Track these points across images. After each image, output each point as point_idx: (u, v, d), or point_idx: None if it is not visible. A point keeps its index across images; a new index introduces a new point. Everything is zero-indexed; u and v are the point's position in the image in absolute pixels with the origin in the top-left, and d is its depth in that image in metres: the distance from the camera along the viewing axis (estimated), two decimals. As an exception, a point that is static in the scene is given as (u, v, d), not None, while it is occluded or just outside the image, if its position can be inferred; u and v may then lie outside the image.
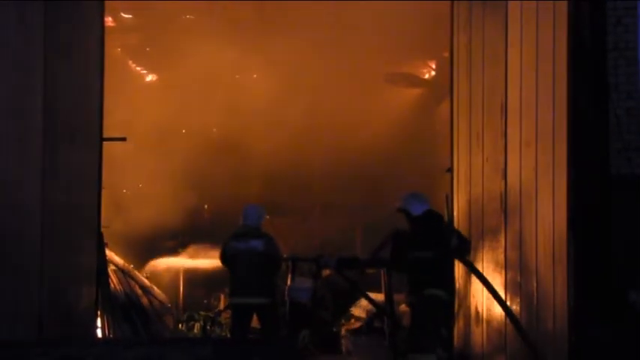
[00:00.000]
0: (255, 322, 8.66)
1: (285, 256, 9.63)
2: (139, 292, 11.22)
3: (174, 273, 13.20)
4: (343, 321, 10.71)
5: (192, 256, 13.31)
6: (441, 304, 7.45)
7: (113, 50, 13.53)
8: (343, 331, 10.42)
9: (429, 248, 7.48)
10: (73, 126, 8.59)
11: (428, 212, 7.71)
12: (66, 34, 8.34)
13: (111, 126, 9.57)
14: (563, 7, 6.64)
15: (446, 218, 9.45)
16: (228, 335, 10.12)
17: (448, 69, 9.47)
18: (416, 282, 7.57)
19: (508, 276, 7.70)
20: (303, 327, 9.70)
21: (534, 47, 7.26)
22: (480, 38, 8.57)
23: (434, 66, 14.84)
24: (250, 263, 8.28)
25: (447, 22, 9.27)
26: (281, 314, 9.28)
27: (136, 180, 13.78)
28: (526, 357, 6.93)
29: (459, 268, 8.51)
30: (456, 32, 9.18)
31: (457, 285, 8.55)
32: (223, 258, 8.56)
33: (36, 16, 7.54)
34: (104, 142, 9.20)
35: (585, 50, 6.53)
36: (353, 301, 10.85)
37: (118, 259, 11.45)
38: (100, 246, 9.35)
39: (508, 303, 7.56)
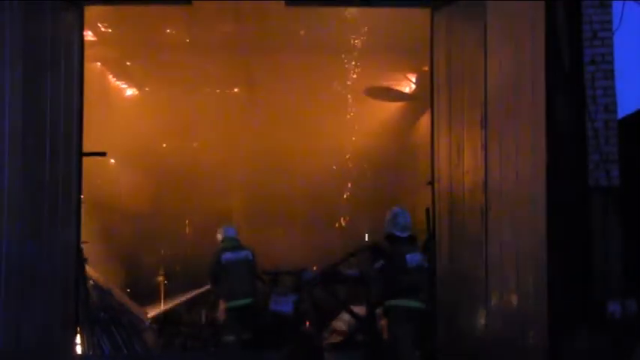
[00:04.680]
0: None
1: (267, 269, 10.14)
2: (118, 308, 11.10)
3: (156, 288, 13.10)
4: (325, 334, 10.68)
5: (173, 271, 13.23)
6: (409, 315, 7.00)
7: (93, 64, 13.45)
8: (325, 345, 10.39)
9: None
10: (52, 141, 8.52)
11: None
12: (45, 48, 8.29)
13: (91, 141, 9.51)
14: (540, 22, 6.73)
15: (429, 231, 9.50)
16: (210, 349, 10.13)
17: (428, 82, 9.54)
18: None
19: (489, 288, 7.72)
20: (286, 339, 9.72)
21: (513, 61, 7.34)
22: (459, 52, 8.65)
23: (414, 80, 14.91)
24: (245, 270, 9.71)
25: (427, 36, 9.34)
26: (263, 324, 9.92)
27: (116, 194, 13.67)
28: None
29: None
30: (436, 46, 9.26)
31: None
32: (217, 269, 9.65)
33: (14, 30, 7.49)
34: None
35: (562, 64, 6.63)
36: (335, 314, 10.82)
37: (98, 276, 11.33)
38: (80, 261, 9.28)
39: (491, 316, 7.56)
